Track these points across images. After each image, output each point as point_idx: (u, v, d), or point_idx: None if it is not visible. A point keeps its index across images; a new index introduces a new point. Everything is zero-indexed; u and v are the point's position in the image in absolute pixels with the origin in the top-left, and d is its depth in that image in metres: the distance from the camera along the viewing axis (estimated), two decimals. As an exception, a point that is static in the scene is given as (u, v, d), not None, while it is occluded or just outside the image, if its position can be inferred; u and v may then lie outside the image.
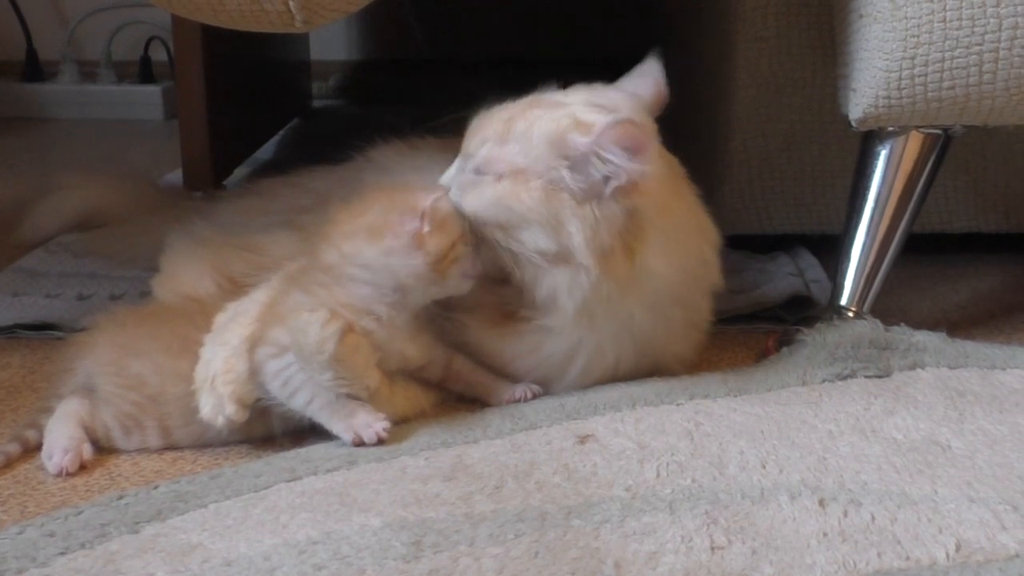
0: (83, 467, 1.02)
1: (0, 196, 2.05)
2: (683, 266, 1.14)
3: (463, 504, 0.93)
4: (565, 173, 1.07)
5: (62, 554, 0.86)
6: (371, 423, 1.04)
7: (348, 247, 1.08)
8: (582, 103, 1.12)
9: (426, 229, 1.06)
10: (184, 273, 1.25)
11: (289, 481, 0.97)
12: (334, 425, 1.04)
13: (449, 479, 0.97)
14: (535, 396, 1.14)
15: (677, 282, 1.14)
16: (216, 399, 1.03)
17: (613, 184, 1.06)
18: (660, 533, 0.88)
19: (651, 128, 1.13)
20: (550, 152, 1.08)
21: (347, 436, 1.03)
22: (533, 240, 1.08)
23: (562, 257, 1.08)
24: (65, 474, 1.00)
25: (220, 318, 1.09)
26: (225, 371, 1.04)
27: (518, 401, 1.14)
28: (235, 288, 1.22)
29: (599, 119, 1.08)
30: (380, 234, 1.07)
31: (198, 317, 1.12)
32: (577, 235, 1.07)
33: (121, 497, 0.94)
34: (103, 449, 1.06)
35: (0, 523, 0.92)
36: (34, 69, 2.88)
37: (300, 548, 0.85)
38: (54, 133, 2.71)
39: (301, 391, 1.04)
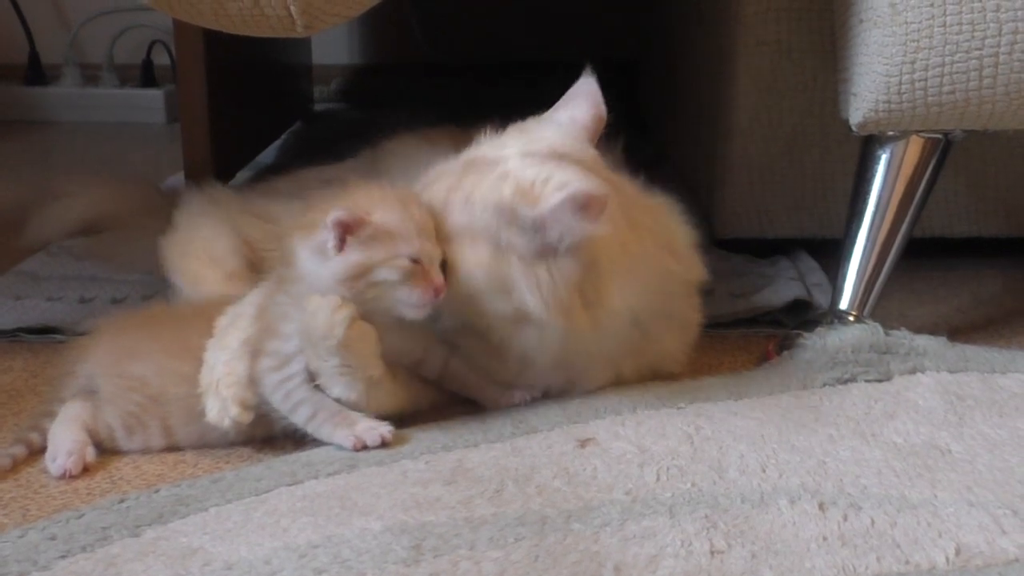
0: (86, 469, 1.02)
1: (2, 199, 2.06)
2: (648, 291, 1.14)
3: (463, 508, 0.93)
4: (515, 238, 1.05)
5: (63, 557, 0.86)
6: (375, 427, 1.04)
7: (292, 241, 1.06)
8: (518, 157, 1.10)
9: (330, 243, 1.02)
10: (200, 232, 1.25)
11: (290, 485, 0.97)
12: (336, 436, 1.04)
13: (449, 483, 0.97)
14: (532, 400, 1.14)
15: (645, 307, 1.13)
16: (221, 402, 1.04)
17: (567, 243, 1.04)
18: (660, 537, 0.88)
19: (590, 155, 1.13)
20: (497, 220, 1.06)
21: (348, 443, 1.03)
22: (490, 305, 1.07)
23: (521, 317, 1.07)
24: (68, 476, 1.00)
25: (221, 322, 1.10)
26: (227, 374, 1.04)
27: (515, 405, 1.14)
28: (251, 252, 1.22)
29: (545, 189, 1.05)
30: (309, 234, 1.04)
31: (196, 320, 1.12)
32: (530, 295, 1.05)
33: (122, 500, 0.94)
34: (106, 451, 1.06)
35: (2, 526, 0.92)
36: (36, 72, 2.89)
37: (301, 552, 0.85)
38: (56, 136, 2.72)
39: (303, 406, 1.04)
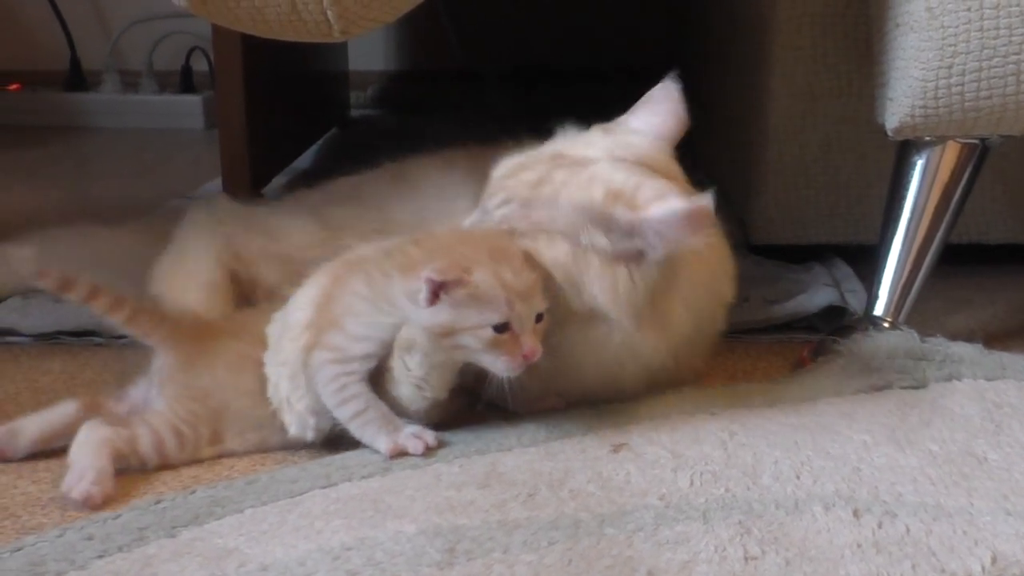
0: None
1: (43, 204, 2.08)
2: (701, 307, 1.15)
3: (497, 511, 0.93)
4: (599, 239, 1.05)
5: (100, 557, 0.87)
6: (419, 434, 1.04)
7: (391, 271, 1.05)
8: (607, 160, 1.10)
9: (422, 295, 0.99)
10: (192, 244, 1.26)
11: (324, 487, 0.98)
12: (378, 441, 1.04)
13: (483, 486, 0.98)
14: (565, 405, 1.14)
15: (693, 322, 1.14)
16: (297, 416, 1.06)
17: (660, 252, 1.04)
18: (694, 542, 0.88)
19: (674, 168, 1.13)
20: (584, 220, 1.05)
21: (386, 449, 1.03)
22: (561, 301, 1.06)
23: (591, 317, 1.07)
24: (91, 505, 0.96)
25: (271, 331, 1.10)
26: (293, 388, 1.06)
27: (547, 410, 1.13)
28: (242, 266, 1.23)
29: (642, 195, 1.04)
30: (406, 274, 1.03)
31: (243, 333, 1.13)
32: (605, 294, 1.05)
33: (159, 501, 0.96)
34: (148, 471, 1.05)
35: (40, 526, 0.94)
36: (77, 78, 2.92)
37: (334, 554, 0.86)
38: (96, 142, 2.75)
39: (355, 400, 1.04)
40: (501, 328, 1.00)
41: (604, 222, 1.05)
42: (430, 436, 1.04)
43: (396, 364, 1.04)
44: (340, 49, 2.74)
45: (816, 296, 1.47)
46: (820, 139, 1.56)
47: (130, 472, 1.03)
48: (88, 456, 1.01)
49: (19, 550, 0.88)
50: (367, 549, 0.87)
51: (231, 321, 1.20)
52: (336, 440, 1.07)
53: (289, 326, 1.08)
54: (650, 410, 1.13)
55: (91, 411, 1.08)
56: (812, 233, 1.62)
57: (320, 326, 1.06)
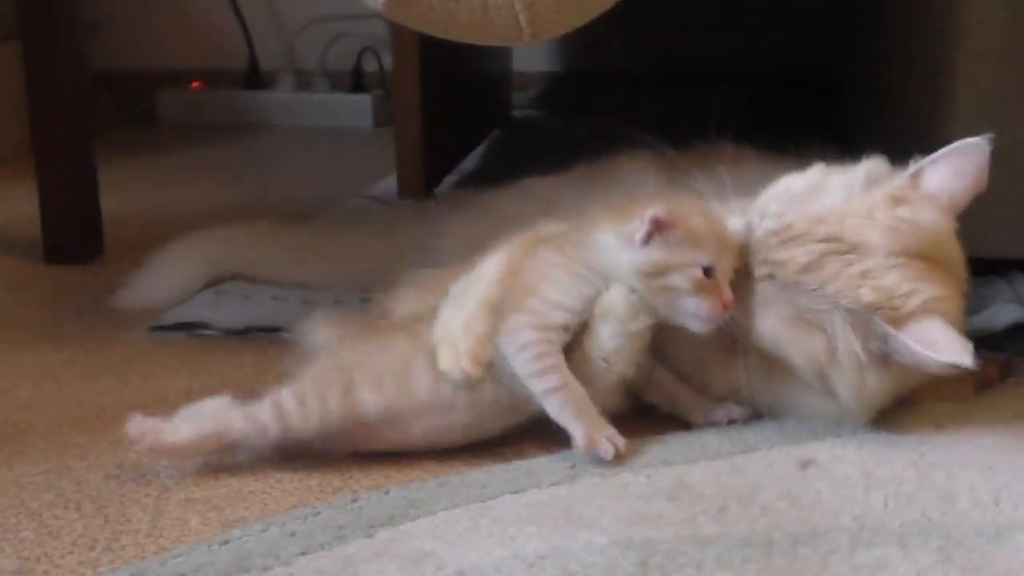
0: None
1: (223, 199, 2.16)
2: None
3: (687, 525, 0.93)
4: (856, 343, 1.04)
5: (303, 554, 0.89)
6: (611, 436, 1.04)
7: (600, 225, 1.08)
8: (884, 253, 1.05)
9: (639, 235, 1.03)
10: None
11: (514, 492, 0.99)
12: (572, 424, 1.03)
13: (672, 498, 0.97)
14: (739, 419, 1.13)
15: None
16: (455, 354, 1.04)
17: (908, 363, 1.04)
18: (893, 568, 0.86)
19: (955, 252, 1.10)
20: (844, 321, 1.04)
21: (582, 442, 1.02)
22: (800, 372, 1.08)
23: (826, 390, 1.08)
24: (140, 447, 1.02)
25: (454, 287, 1.10)
26: (464, 329, 1.04)
27: (721, 423, 1.13)
28: None
29: (909, 305, 1.03)
30: (620, 222, 1.06)
31: (416, 328, 1.10)
32: (846, 394, 1.06)
33: (355, 500, 0.98)
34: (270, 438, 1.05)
35: (243, 519, 0.97)
36: (255, 77, 3.02)
37: (529, 562, 0.87)
38: (272, 139, 2.84)
39: (553, 373, 1.03)
40: (707, 273, 1.03)
41: (864, 326, 1.03)
42: (621, 442, 1.04)
43: (587, 338, 1.05)
44: (506, 50, 2.76)
45: (1000, 313, 1.42)
46: (1005, 148, 1.50)
47: (322, 467, 1.05)
48: (189, 416, 1.05)
49: (226, 543, 0.91)
50: (561, 559, 0.87)
51: (401, 323, 1.17)
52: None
53: (475, 278, 1.08)
54: (835, 426, 1.11)
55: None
56: (994, 246, 1.56)
57: (513, 293, 1.06)
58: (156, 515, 0.97)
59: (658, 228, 1.03)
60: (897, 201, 1.09)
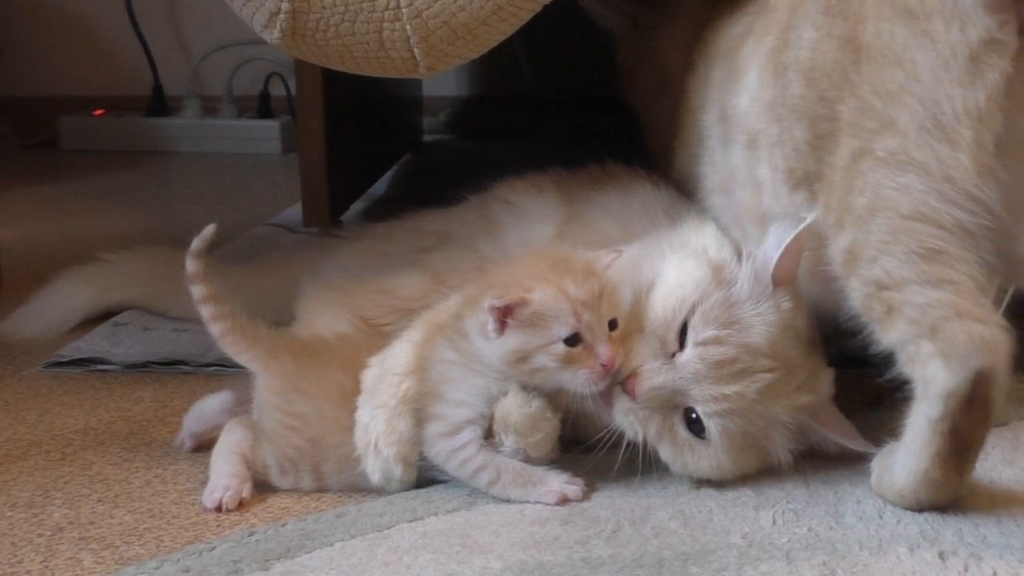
0: (241, 504, 1.04)
1: (128, 228, 2.13)
2: None
3: (581, 548, 0.94)
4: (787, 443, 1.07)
5: (198, 589, 0.89)
6: (571, 482, 1.04)
7: (463, 308, 1.07)
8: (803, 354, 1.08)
9: (490, 326, 1.01)
10: (320, 319, 1.28)
11: (411, 521, 1.00)
12: (533, 495, 1.03)
13: (567, 522, 0.99)
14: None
15: None
16: (383, 463, 1.05)
17: None
18: (778, 583, 0.89)
19: None
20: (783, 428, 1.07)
21: (551, 499, 1.02)
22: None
23: None
24: (225, 510, 1.03)
25: (368, 376, 1.10)
26: (388, 432, 1.05)
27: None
28: (369, 330, 1.25)
29: (838, 421, 1.08)
30: (475, 311, 1.04)
31: (351, 366, 1.12)
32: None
33: (251, 534, 0.98)
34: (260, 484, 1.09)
35: (138, 557, 0.96)
36: (160, 104, 2.98)
37: (424, 589, 0.88)
38: (178, 166, 2.81)
39: (484, 472, 1.03)
40: (572, 341, 1.00)
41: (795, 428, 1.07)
42: (580, 482, 1.04)
43: (496, 440, 1.04)
44: (416, 75, 2.77)
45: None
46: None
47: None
48: (221, 465, 1.08)
49: (119, 581, 0.90)
50: (455, 585, 0.88)
51: (335, 350, 1.18)
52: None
53: (388, 371, 1.09)
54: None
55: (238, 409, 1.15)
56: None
57: (423, 390, 1.06)
58: (49, 555, 0.96)
59: (504, 314, 1.00)
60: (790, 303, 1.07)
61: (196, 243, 1.12)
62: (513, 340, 1.01)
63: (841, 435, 1.06)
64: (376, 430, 1.05)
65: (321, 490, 1.08)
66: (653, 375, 1.02)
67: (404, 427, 1.05)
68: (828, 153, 1.02)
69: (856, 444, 1.06)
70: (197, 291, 1.11)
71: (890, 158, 0.96)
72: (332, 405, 1.09)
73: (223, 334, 1.12)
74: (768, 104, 1.08)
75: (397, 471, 1.05)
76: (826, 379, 1.08)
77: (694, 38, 1.34)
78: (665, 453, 1.04)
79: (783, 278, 1.06)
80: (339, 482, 1.08)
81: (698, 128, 1.24)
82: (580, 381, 1.01)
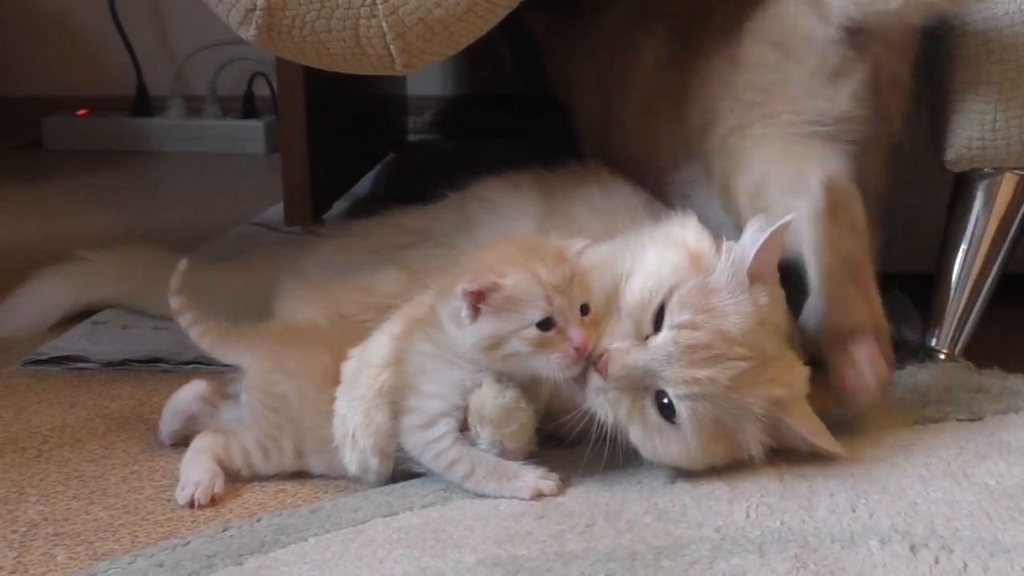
0: (213, 500, 1.05)
1: (112, 228, 2.13)
2: None
3: (555, 542, 0.95)
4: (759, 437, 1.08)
5: (170, 584, 0.89)
6: (545, 477, 1.04)
7: (436, 297, 1.08)
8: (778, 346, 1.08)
9: (463, 313, 1.01)
10: (298, 316, 1.29)
11: (386, 516, 1.00)
12: (507, 490, 1.03)
13: (541, 517, 0.99)
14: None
15: None
16: (360, 454, 1.06)
17: None
18: (750, 575, 0.89)
19: None
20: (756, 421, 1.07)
21: (525, 494, 1.02)
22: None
23: None
24: (197, 506, 1.03)
25: (347, 367, 1.11)
26: (365, 424, 1.05)
27: None
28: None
29: (808, 419, 1.09)
30: (447, 299, 1.04)
31: (334, 350, 1.13)
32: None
33: (226, 529, 0.98)
34: (236, 481, 1.09)
35: (112, 552, 0.96)
36: (144, 104, 2.98)
37: (396, 583, 0.88)
38: (162, 166, 2.81)
39: (458, 464, 1.03)
40: (545, 325, 1.00)
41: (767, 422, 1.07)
42: (555, 477, 1.05)
43: (472, 433, 1.04)
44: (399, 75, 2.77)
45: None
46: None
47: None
48: (191, 464, 1.08)
49: (92, 576, 0.91)
50: (428, 579, 0.88)
51: (326, 333, 1.20)
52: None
53: (366, 363, 1.09)
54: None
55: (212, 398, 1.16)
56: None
57: (400, 382, 1.06)
58: (22, 551, 0.96)
59: (477, 300, 1.00)
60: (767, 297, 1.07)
61: (174, 280, 1.15)
62: (486, 326, 1.01)
63: (812, 433, 1.07)
64: (354, 421, 1.06)
65: (303, 469, 1.10)
66: (625, 354, 1.02)
67: (381, 419, 1.05)
68: None
69: (827, 444, 1.07)
70: (184, 319, 1.15)
71: None
72: (313, 387, 1.10)
73: (212, 343, 1.15)
74: None
75: (374, 462, 1.06)
76: (801, 376, 1.08)
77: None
78: (635, 435, 1.03)
79: (760, 274, 1.06)
80: (320, 463, 1.09)
81: None
82: (553, 365, 1.00)
